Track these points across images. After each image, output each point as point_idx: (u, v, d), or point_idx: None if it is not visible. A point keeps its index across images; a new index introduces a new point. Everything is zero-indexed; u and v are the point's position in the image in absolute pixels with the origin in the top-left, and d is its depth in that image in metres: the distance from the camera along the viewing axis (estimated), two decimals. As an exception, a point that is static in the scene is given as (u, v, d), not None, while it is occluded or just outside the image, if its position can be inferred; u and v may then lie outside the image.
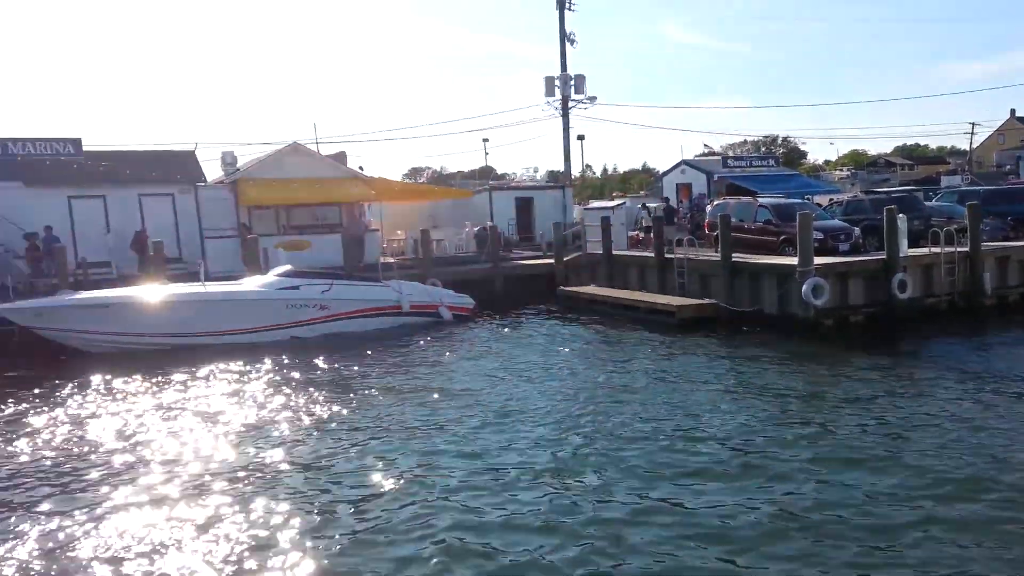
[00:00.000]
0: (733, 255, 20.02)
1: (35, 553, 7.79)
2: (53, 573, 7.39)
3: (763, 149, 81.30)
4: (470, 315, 22.57)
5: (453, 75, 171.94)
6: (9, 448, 11.52)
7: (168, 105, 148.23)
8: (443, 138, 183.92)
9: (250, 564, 7.40)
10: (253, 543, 7.82)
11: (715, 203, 25.82)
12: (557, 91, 38.47)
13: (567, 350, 17.85)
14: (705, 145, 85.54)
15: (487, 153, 67.04)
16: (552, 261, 27.19)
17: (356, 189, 28.95)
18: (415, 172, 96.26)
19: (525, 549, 7.50)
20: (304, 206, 28.99)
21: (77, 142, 26.32)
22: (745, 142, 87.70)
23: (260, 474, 9.91)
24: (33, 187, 24.53)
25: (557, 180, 45.84)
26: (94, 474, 10.14)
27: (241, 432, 11.90)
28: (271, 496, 9.06)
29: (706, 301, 20.34)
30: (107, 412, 13.42)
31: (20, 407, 13.98)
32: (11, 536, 8.22)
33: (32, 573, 7.40)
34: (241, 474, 9.91)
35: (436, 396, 13.71)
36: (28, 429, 12.50)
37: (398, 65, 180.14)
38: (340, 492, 9.21)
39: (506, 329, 21.03)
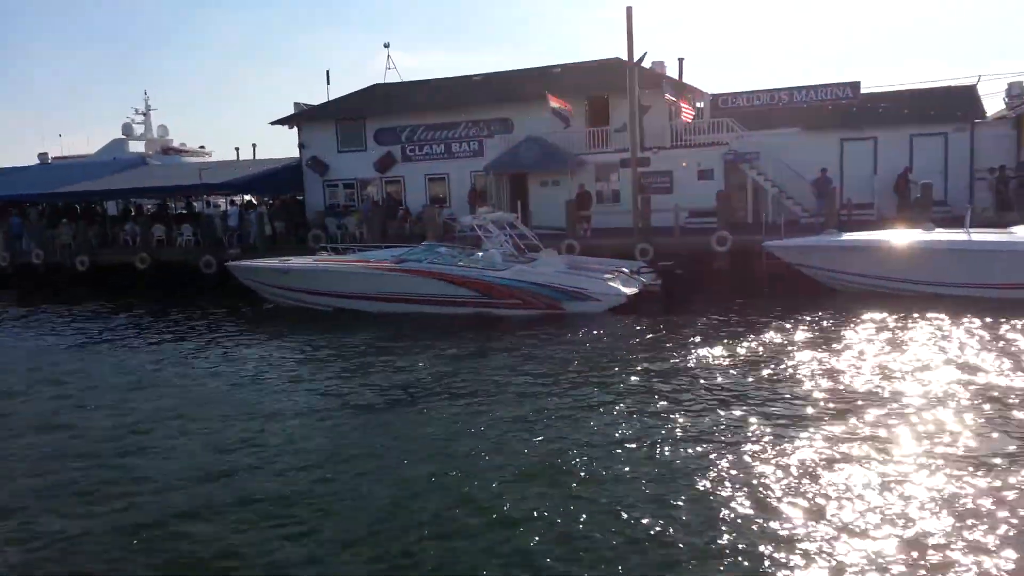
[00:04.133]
0: None
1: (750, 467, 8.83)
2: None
3: None
4: None
5: None
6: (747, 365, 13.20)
7: (952, 38, 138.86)
8: None
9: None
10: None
11: None
12: None
13: None
14: None
15: None
16: None
17: None
18: None
19: None
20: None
21: (855, 85, 26.95)
22: None
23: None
24: (810, 132, 26.56)
25: None
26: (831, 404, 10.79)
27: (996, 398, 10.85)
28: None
29: None
30: (848, 351, 13.99)
31: (768, 333, 15.82)
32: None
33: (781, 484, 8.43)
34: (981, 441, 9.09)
35: None
36: (776, 354, 14.05)
37: None
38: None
39: None
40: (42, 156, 46.78)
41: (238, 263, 23.14)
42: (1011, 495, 7.70)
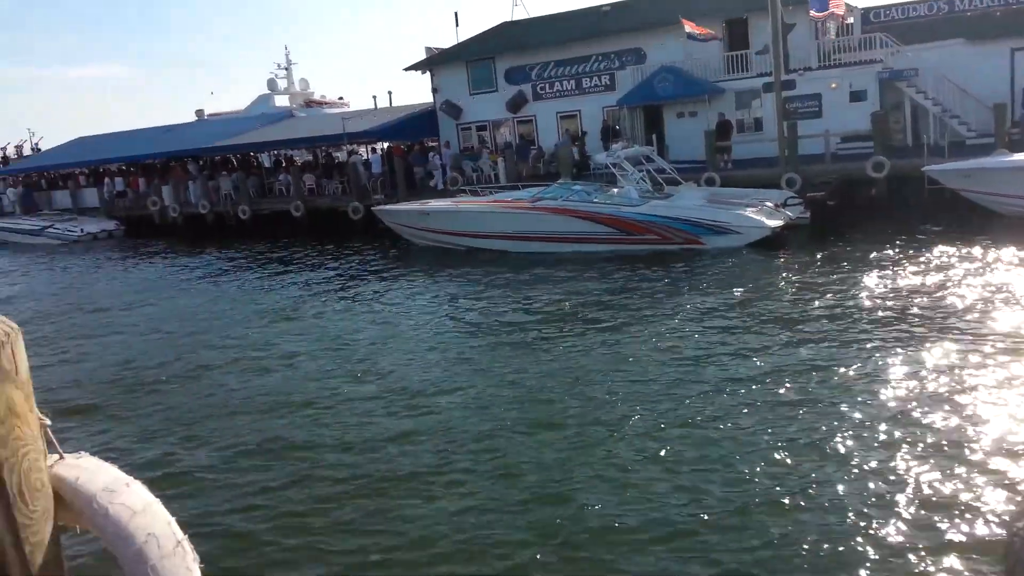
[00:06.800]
0: None
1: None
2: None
3: None
4: None
5: None
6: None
7: None
8: None
9: None
10: None
11: None
12: None
13: None
14: None
15: None
16: None
17: None
18: None
19: None
20: None
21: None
22: None
23: None
24: (976, 42, 24.18)
25: None
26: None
27: None
28: None
29: None
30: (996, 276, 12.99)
31: (923, 260, 14.86)
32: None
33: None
34: None
35: None
36: (919, 279, 13.24)
37: None
38: None
39: None
40: (199, 113, 50.12)
41: (383, 207, 24.20)
42: None
